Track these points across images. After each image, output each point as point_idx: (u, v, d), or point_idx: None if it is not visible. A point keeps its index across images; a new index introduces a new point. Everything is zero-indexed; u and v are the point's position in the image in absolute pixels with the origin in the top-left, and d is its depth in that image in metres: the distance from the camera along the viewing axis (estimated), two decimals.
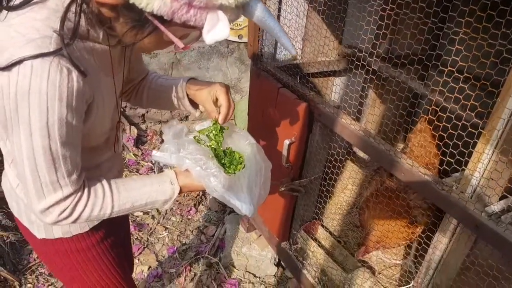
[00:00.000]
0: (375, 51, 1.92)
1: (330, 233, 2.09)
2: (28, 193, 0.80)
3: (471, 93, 1.13)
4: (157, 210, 2.83)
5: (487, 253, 1.17)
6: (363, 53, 1.63)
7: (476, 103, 1.20)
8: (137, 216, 2.76)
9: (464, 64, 1.17)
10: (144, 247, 2.55)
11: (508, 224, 1.07)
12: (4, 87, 0.69)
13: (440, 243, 1.30)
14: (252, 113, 2.07)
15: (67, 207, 0.82)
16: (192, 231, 2.72)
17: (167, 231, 2.69)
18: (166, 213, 2.82)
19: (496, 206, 1.10)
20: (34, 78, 0.68)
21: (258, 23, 0.79)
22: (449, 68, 1.09)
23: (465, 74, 1.11)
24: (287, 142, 1.72)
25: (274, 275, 2.46)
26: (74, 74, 0.73)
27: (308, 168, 1.81)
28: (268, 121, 1.90)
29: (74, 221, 0.85)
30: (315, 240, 1.95)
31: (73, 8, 0.73)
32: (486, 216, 1.10)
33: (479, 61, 1.08)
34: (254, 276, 2.45)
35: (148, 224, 2.72)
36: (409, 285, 1.45)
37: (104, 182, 0.89)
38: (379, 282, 1.83)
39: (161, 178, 0.96)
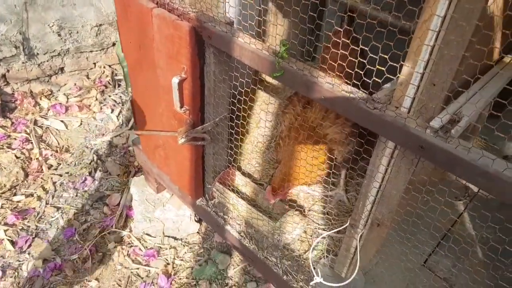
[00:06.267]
0: None
1: (250, 176, 1.82)
2: None
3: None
4: (43, 187, 2.31)
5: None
6: None
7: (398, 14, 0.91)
8: (18, 202, 2.22)
9: None
10: (34, 237, 2.07)
11: (459, 139, 0.85)
12: None
13: (377, 171, 1.07)
14: (127, 49, 1.60)
15: None
16: (92, 205, 2.27)
17: (60, 211, 2.21)
18: (55, 190, 2.32)
19: (444, 118, 0.87)
20: None
21: None
22: None
23: None
24: (175, 80, 1.32)
25: (197, 232, 2.18)
26: None
27: (210, 108, 1.45)
28: (148, 56, 1.46)
29: None
30: (234, 190, 1.66)
31: None
32: (432, 133, 0.87)
33: None
34: (175, 239, 2.14)
35: (34, 208, 2.21)
36: (345, 225, 1.24)
37: None
38: (311, 220, 1.63)
39: None
